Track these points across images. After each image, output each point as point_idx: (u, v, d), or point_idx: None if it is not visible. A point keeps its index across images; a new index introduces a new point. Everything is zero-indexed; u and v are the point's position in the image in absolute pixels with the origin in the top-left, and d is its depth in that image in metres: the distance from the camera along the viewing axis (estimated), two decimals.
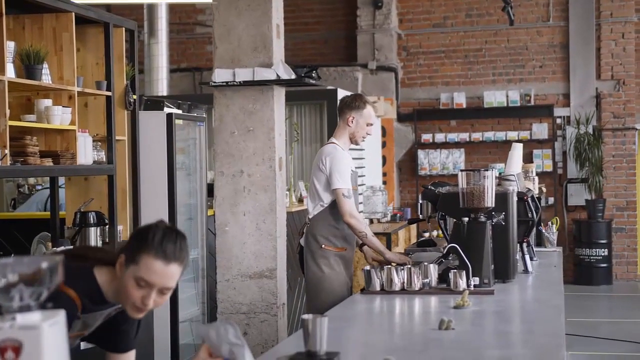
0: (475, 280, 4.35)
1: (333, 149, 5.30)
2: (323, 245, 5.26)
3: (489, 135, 12.93)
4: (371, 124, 5.40)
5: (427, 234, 12.33)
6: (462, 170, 4.55)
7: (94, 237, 5.51)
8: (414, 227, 11.45)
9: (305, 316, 2.78)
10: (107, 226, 5.67)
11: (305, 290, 6.84)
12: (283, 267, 5.96)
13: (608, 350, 8.38)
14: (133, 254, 2.63)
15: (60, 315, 1.82)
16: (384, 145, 12.53)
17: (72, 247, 5.10)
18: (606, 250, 12.44)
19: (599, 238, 12.44)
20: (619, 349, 8.41)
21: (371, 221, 10.37)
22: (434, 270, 4.42)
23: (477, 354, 3.00)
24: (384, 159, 12.59)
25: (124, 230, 5.95)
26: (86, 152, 5.37)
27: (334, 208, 5.24)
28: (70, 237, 5.51)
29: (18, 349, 1.74)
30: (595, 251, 12.42)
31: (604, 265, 12.46)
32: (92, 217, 5.52)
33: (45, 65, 5.01)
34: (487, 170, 4.50)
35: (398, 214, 11.13)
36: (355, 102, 5.38)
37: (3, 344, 1.74)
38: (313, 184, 5.34)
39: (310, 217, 5.37)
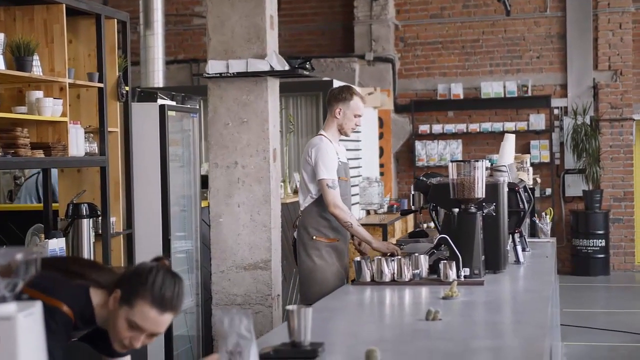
0: (466, 271, 4.36)
1: (319, 140, 5.31)
2: (314, 237, 5.28)
3: (486, 126, 12.92)
4: (359, 115, 5.39)
5: (424, 225, 12.35)
6: (452, 161, 4.55)
7: (87, 228, 5.51)
8: (410, 218, 11.46)
9: (290, 307, 2.79)
10: (99, 218, 5.67)
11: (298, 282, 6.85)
12: (278, 259, 5.96)
13: (604, 341, 8.39)
14: (129, 295, 2.63)
15: (36, 306, 1.83)
16: (381, 136, 12.53)
17: (70, 257, 5.07)
18: (603, 241, 12.45)
19: (596, 229, 12.45)
20: (615, 340, 8.42)
21: (367, 212, 10.38)
22: (424, 261, 4.42)
23: (462, 344, 3.00)
24: (382, 150, 12.59)
25: (116, 222, 5.96)
26: (78, 143, 5.36)
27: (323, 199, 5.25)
28: (62, 228, 5.51)
29: None
30: (593, 242, 12.43)
31: (601, 256, 12.47)
32: (84, 209, 5.51)
33: (35, 57, 5.00)
34: (477, 161, 4.50)
35: (395, 205, 11.14)
36: (342, 93, 5.38)
37: None
38: (301, 177, 5.37)
39: (301, 209, 5.39)
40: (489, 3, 13.00)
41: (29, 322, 1.79)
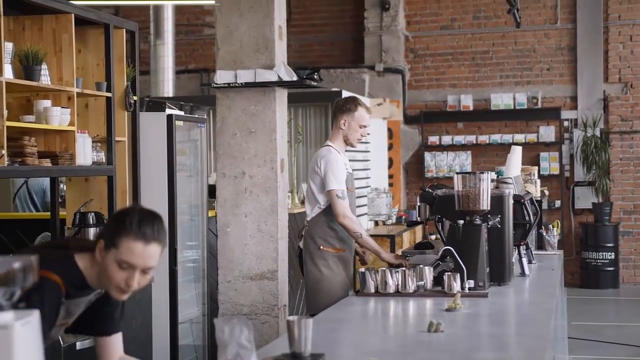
0: (470, 283, 4.35)
1: (327, 151, 5.35)
2: (321, 247, 5.29)
3: (496, 137, 12.91)
4: (364, 126, 5.42)
5: (433, 237, 12.32)
6: (457, 173, 4.55)
7: (93, 237, 5.52)
8: (419, 229, 11.44)
9: (290, 318, 2.79)
10: None
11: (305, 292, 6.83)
12: (284, 269, 5.96)
13: (613, 354, 8.35)
14: (112, 239, 2.71)
15: (34, 315, 1.83)
16: (390, 147, 12.53)
17: (51, 240, 5.14)
18: (613, 253, 12.40)
19: (605, 241, 12.40)
20: (624, 353, 8.38)
21: (376, 223, 10.37)
22: (429, 273, 4.42)
23: (463, 356, 3.00)
24: (391, 161, 12.59)
25: None
26: (85, 152, 5.38)
27: (331, 210, 5.26)
28: (69, 237, 5.53)
29: None
30: (602, 254, 12.38)
31: (611, 268, 12.42)
32: (91, 218, 5.53)
33: (44, 66, 5.03)
34: (482, 173, 4.50)
35: (404, 216, 11.13)
36: (347, 104, 5.42)
37: None
38: (309, 187, 5.40)
39: (308, 219, 5.41)
40: (499, 15, 13.00)
41: (26, 330, 1.79)
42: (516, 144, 12.51)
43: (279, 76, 5.81)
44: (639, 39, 12.71)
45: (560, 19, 12.92)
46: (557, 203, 12.70)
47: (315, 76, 6.20)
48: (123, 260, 2.70)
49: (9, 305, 1.81)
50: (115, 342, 3.04)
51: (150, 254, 2.72)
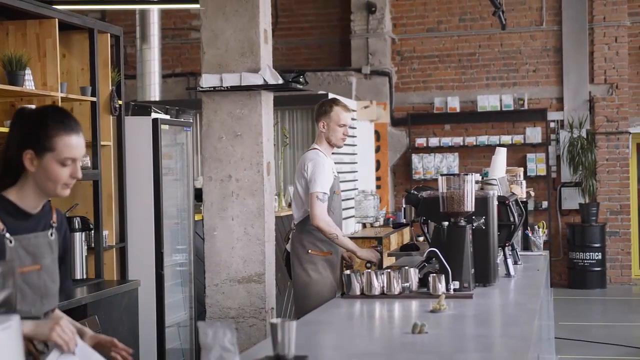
0: (455, 285, 4.36)
1: (315, 154, 5.40)
2: (309, 251, 5.31)
3: (483, 139, 12.94)
4: (344, 125, 5.46)
5: (421, 239, 12.34)
6: (442, 175, 4.56)
7: (79, 242, 5.52)
8: (407, 231, 11.46)
9: (273, 320, 2.80)
10: (92, 231, 5.68)
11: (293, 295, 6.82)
12: (272, 272, 5.97)
13: (600, 354, 8.39)
14: (42, 145, 2.73)
15: (14, 320, 1.84)
16: (378, 149, 12.55)
17: None
18: (600, 254, 12.45)
19: (592, 242, 12.45)
20: (611, 353, 8.41)
21: (364, 225, 10.38)
22: (414, 275, 4.43)
23: (446, 357, 3.01)
24: (378, 163, 12.61)
25: (109, 235, 5.97)
26: None
27: None
28: None
29: None
30: (589, 255, 12.43)
31: (598, 269, 12.47)
32: (77, 222, 5.53)
33: (28, 71, 5.03)
34: (467, 174, 4.51)
35: (391, 218, 11.14)
36: (323, 107, 5.52)
37: None
38: (297, 190, 5.43)
39: (295, 222, 5.42)
40: (485, 17, 13.05)
41: (6, 335, 1.80)
42: (503, 145, 12.61)
43: (264, 80, 5.82)
44: (624, 40, 12.77)
45: (546, 20, 12.97)
46: (544, 204, 12.74)
47: (300, 79, 6.21)
48: (65, 157, 2.74)
49: None
50: None
51: (82, 143, 2.80)
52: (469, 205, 4.47)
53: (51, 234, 2.88)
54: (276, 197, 7.98)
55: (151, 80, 10.61)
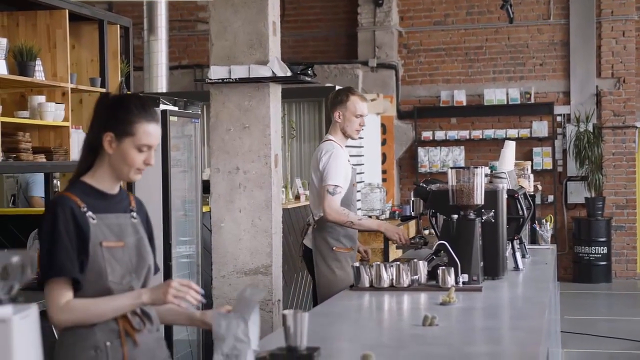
0: (464, 277, 4.36)
1: (330, 146, 5.29)
2: (334, 247, 5.23)
3: (489, 133, 12.94)
4: (360, 115, 5.35)
5: (427, 232, 12.34)
6: (451, 168, 4.56)
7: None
8: (413, 224, 11.46)
9: (286, 311, 2.80)
10: None
11: (310, 291, 6.83)
12: (278, 264, 5.97)
13: (605, 348, 8.40)
14: (123, 129, 2.83)
15: (32, 309, 1.85)
16: (384, 142, 12.55)
17: None
18: (605, 248, 12.45)
19: (598, 236, 12.45)
20: (616, 347, 8.42)
21: (369, 218, 10.38)
22: (423, 267, 4.43)
23: (456, 349, 3.02)
24: (384, 156, 12.61)
25: None
26: (79, 148, 5.39)
27: (343, 207, 5.21)
28: None
29: None
30: (595, 249, 12.43)
31: (603, 263, 12.47)
32: None
33: (38, 62, 5.04)
34: (476, 167, 4.51)
35: (397, 212, 11.13)
36: (338, 96, 5.37)
37: None
38: (313, 184, 5.32)
39: (315, 218, 5.31)
40: (492, 10, 13.03)
41: (24, 324, 1.80)
42: (509, 139, 12.56)
43: (272, 72, 5.82)
44: (632, 34, 12.75)
45: (553, 14, 12.95)
46: (550, 198, 12.74)
47: (309, 72, 6.20)
48: (143, 144, 2.84)
49: (7, 299, 1.82)
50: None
51: (159, 132, 2.91)
52: (479, 199, 4.47)
53: (133, 217, 2.99)
54: (283, 189, 7.99)
55: (158, 72, 10.60)
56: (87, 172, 2.91)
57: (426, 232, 11.97)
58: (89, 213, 2.83)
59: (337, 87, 10.21)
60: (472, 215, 4.49)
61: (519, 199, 5.10)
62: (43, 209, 5.98)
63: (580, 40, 12.82)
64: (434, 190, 4.81)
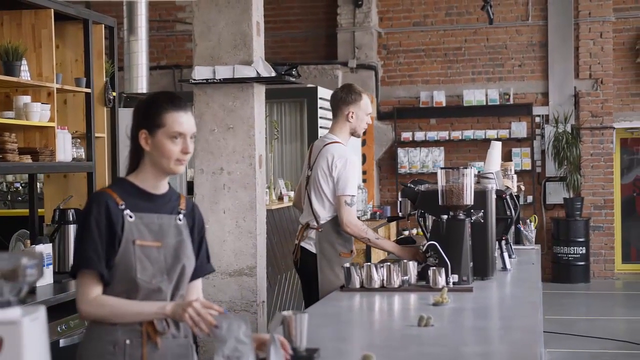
0: (454, 278, 4.37)
1: (343, 151, 5.06)
2: (341, 253, 5.07)
3: (469, 133, 12.98)
4: (369, 113, 5.20)
5: (406, 232, 12.37)
6: (441, 168, 4.56)
7: (73, 234, 5.48)
8: (393, 225, 11.49)
9: (286, 313, 2.79)
10: None
11: (295, 292, 6.83)
12: (263, 265, 5.96)
13: (585, 348, 8.44)
14: (155, 121, 2.90)
15: (40, 311, 1.82)
16: (363, 143, 12.56)
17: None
18: (584, 248, 12.53)
19: (576, 236, 12.53)
20: (596, 346, 8.48)
21: None
22: (413, 268, 4.43)
23: (455, 350, 3.02)
24: (364, 157, 12.62)
25: None
26: (65, 149, 5.35)
27: None
28: (49, 234, 5.48)
29: None
30: (573, 249, 12.51)
31: (582, 263, 12.55)
32: (71, 215, 5.48)
33: (24, 62, 4.98)
34: (466, 168, 4.52)
35: (378, 212, 11.16)
36: (351, 95, 5.13)
37: None
38: (319, 187, 5.06)
39: (321, 221, 5.07)
40: (471, 11, 13.08)
41: (34, 326, 1.78)
42: (488, 139, 12.64)
43: (257, 72, 5.81)
44: (609, 35, 12.84)
45: (532, 15, 13.02)
46: (529, 198, 12.81)
47: (293, 72, 6.20)
48: (174, 132, 2.88)
49: (16, 301, 1.79)
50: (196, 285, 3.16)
51: (191, 121, 2.95)
52: (468, 199, 4.48)
53: (179, 219, 3.00)
54: (266, 190, 7.96)
55: (138, 73, 10.55)
56: (133, 172, 2.98)
57: (406, 232, 12.01)
58: (127, 211, 2.88)
59: (320, 88, 10.22)
60: (461, 216, 4.50)
61: (507, 199, 5.12)
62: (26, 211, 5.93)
63: (558, 42, 12.90)
64: (423, 190, 4.81)
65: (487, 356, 2.93)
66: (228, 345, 2.64)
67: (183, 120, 2.91)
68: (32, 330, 1.77)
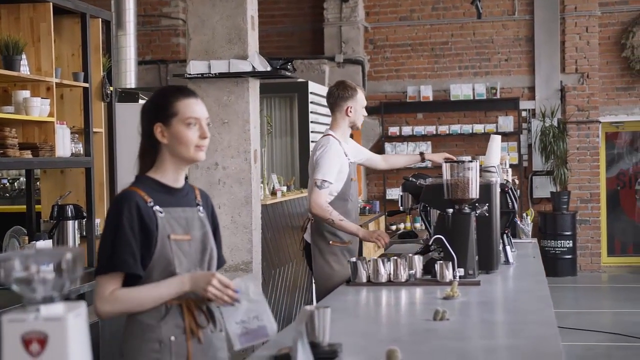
0: (460, 272, 4.36)
1: (326, 140, 5.26)
2: (330, 242, 5.21)
3: (456, 128, 13.00)
4: (365, 105, 5.47)
5: (394, 227, 12.38)
6: (446, 162, 4.55)
7: (72, 230, 5.44)
8: (382, 219, 11.50)
9: (309, 307, 2.77)
10: (84, 219, 5.60)
11: (288, 287, 6.82)
12: (258, 260, 5.94)
13: (573, 341, 8.48)
14: (167, 112, 2.90)
15: (82, 307, 1.80)
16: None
17: None
18: (571, 241, 12.59)
19: (563, 230, 12.58)
20: (584, 339, 8.52)
21: None
22: (418, 262, 4.43)
23: (475, 343, 3.02)
24: None
25: (101, 224, 5.89)
26: (64, 144, 5.30)
27: (339, 201, 5.18)
28: (47, 230, 5.44)
29: (43, 341, 1.72)
30: (560, 243, 12.56)
31: (569, 256, 12.61)
32: (69, 210, 5.44)
33: (23, 56, 4.93)
34: (471, 161, 4.51)
35: (367, 207, 11.16)
36: (347, 91, 5.35)
37: (28, 336, 1.72)
38: (311, 178, 5.26)
39: (314, 212, 5.19)
40: (458, 6, 13.09)
41: (77, 322, 1.76)
42: (475, 134, 12.69)
43: (253, 66, 5.78)
44: (595, 30, 12.90)
45: (518, 10, 13.05)
46: (517, 192, 12.83)
47: (288, 67, 6.18)
48: (188, 117, 2.88)
49: (59, 297, 1.77)
50: None
51: (203, 106, 2.96)
52: (474, 193, 4.48)
53: (200, 211, 3.00)
54: (261, 185, 7.93)
55: (127, 67, 10.47)
56: (151, 168, 2.94)
57: (393, 227, 12.00)
58: (156, 207, 2.86)
59: (311, 83, 10.19)
60: (467, 210, 4.50)
61: (509, 192, 5.13)
62: (23, 207, 5.87)
63: (544, 36, 12.94)
64: (427, 184, 4.80)
65: (512, 349, 2.92)
66: (242, 307, 2.66)
67: (195, 105, 2.92)
68: (76, 326, 1.76)
